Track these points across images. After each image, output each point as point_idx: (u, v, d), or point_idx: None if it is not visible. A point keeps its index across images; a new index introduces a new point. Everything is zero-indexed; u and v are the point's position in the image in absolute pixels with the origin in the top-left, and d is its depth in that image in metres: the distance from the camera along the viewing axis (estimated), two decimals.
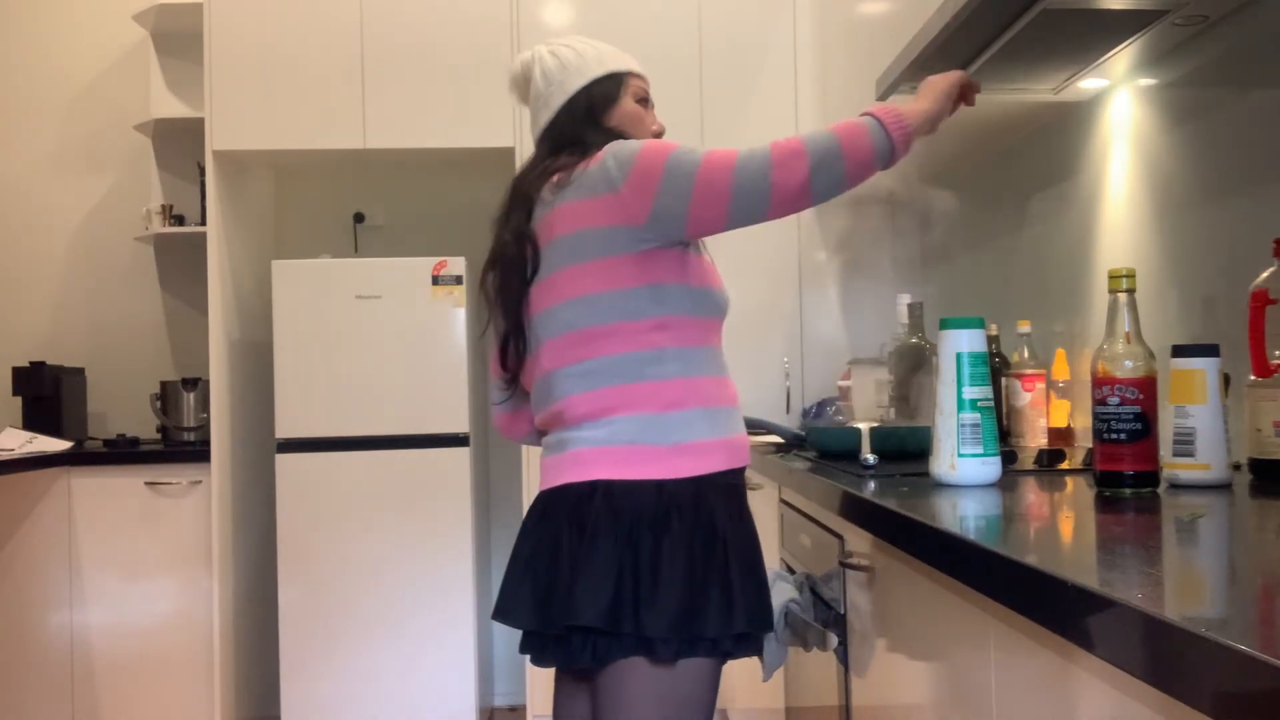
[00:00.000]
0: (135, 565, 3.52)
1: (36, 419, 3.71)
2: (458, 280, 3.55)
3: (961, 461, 1.53)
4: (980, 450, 1.52)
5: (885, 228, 3.70)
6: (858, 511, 1.52)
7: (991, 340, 2.56)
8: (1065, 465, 1.84)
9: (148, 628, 3.51)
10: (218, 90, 3.52)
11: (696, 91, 3.60)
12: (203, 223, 3.71)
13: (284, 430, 3.50)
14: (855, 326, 3.65)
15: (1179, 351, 1.43)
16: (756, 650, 1.63)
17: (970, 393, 1.53)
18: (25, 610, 3.49)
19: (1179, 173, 2.01)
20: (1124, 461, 1.40)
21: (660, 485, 1.57)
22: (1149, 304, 2.10)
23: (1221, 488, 1.42)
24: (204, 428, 3.75)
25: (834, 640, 1.74)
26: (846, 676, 1.82)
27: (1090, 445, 1.62)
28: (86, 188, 4.13)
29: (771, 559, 2.53)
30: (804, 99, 3.62)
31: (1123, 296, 1.42)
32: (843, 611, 1.80)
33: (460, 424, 3.54)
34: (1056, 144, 2.54)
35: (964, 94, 1.72)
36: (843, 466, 1.98)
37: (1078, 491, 1.47)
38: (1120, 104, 2.23)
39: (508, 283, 1.70)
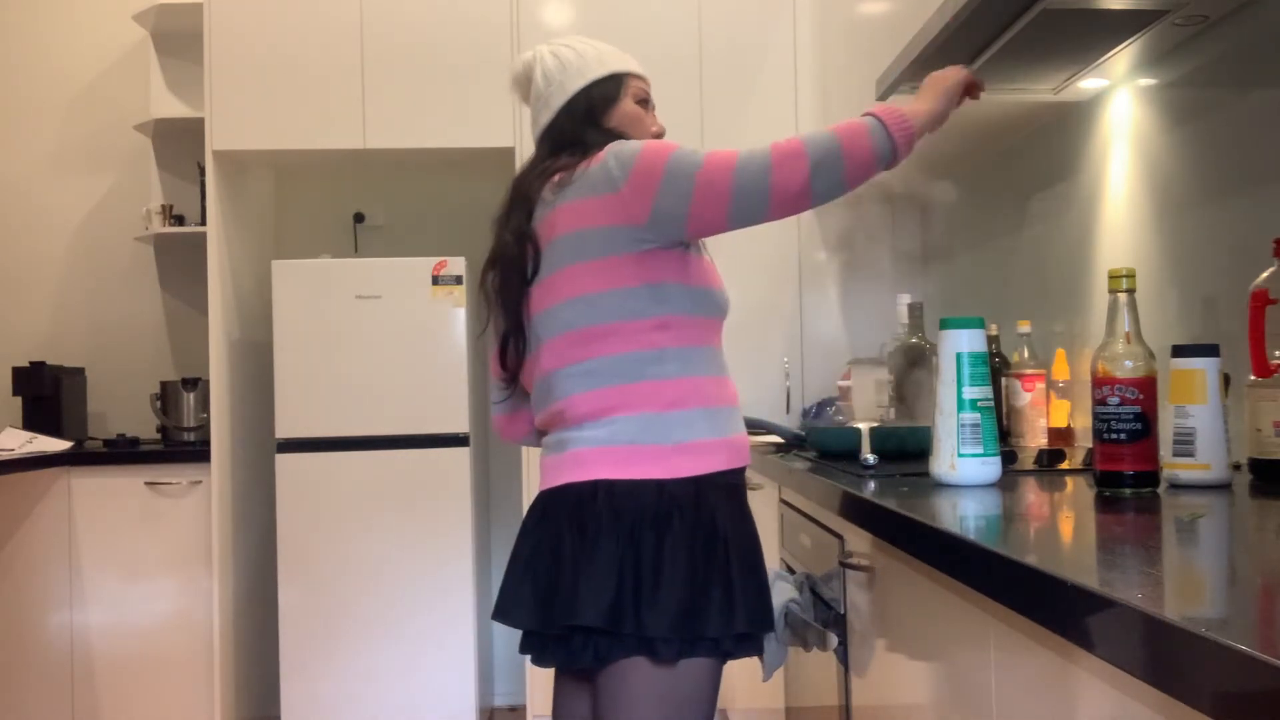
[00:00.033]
0: (135, 565, 3.52)
1: (36, 419, 3.71)
2: (458, 280, 3.55)
3: (961, 461, 1.53)
4: (980, 450, 1.52)
5: (885, 227, 3.70)
6: (858, 511, 1.52)
7: (991, 340, 2.56)
8: (1065, 465, 1.84)
9: (148, 628, 3.51)
10: (218, 90, 3.52)
11: (696, 91, 3.60)
12: (203, 223, 3.71)
13: (284, 430, 3.50)
14: (855, 326, 3.65)
15: (1179, 351, 1.43)
16: (757, 650, 1.63)
17: (970, 393, 1.53)
18: (25, 610, 3.49)
19: (1179, 173, 2.01)
20: (1124, 461, 1.40)
21: (661, 485, 1.57)
22: (1149, 304, 2.10)
23: (1221, 488, 1.42)
24: (204, 428, 3.75)
25: (834, 640, 1.74)
26: (846, 676, 1.82)
27: (1090, 445, 1.62)
28: (86, 188, 4.13)
29: (771, 559, 2.53)
30: (804, 99, 3.62)
31: (1123, 296, 1.42)
32: (843, 611, 1.80)
33: (460, 424, 3.54)
34: (1056, 144, 2.54)
35: (968, 90, 1.71)
36: (843, 466, 1.98)
37: (1078, 491, 1.47)
38: (1120, 104, 2.23)
39: (508, 282, 1.70)
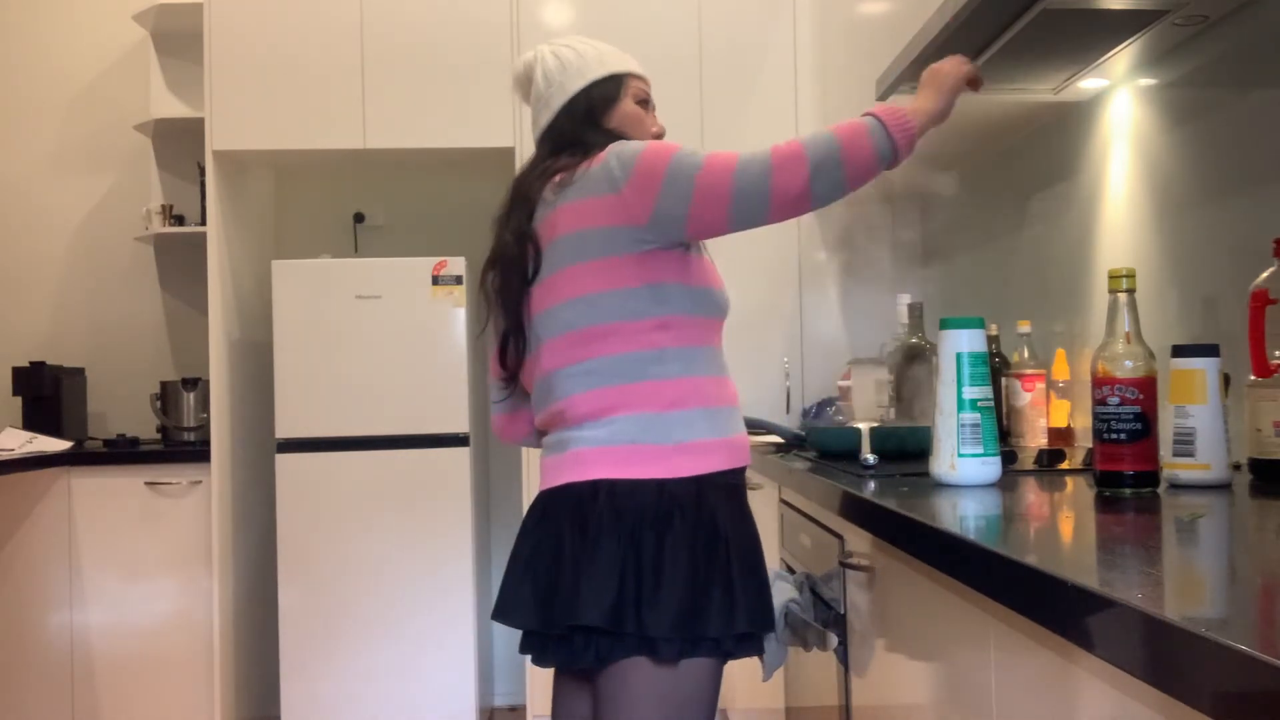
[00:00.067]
0: (135, 565, 3.52)
1: (36, 419, 3.71)
2: (458, 280, 3.55)
3: (961, 461, 1.53)
4: (980, 450, 1.52)
5: (885, 227, 3.70)
6: (858, 511, 1.52)
7: (991, 340, 2.56)
8: (1065, 465, 1.84)
9: (148, 628, 3.51)
10: (218, 90, 3.52)
11: (696, 91, 3.60)
12: (203, 223, 3.71)
13: (284, 430, 3.50)
14: (855, 326, 3.65)
15: (1179, 351, 1.43)
16: (758, 650, 1.63)
17: (970, 393, 1.53)
18: (25, 610, 3.49)
19: (1179, 173, 2.01)
20: (1124, 461, 1.40)
21: (662, 484, 1.57)
22: (1149, 304, 2.10)
23: (1221, 488, 1.42)
24: (204, 428, 3.75)
25: (834, 640, 1.74)
26: (846, 676, 1.82)
27: (1090, 445, 1.62)
28: (86, 188, 4.13)
29: (771, 559, 2.53)
30: (804, 99, 3.62)
31: (1123, 296, 1.42)
32: (843, 611, 1.80)
33: (460, 424, 3.54)
34: (1056, 144, 2.54)
35: (969, 83, 1.69)
36: (843, 466, 1.98)
37: (1078, 491, 1.47)
38: (1120, 104, 2.23)
39: (508, 282, 1.70)
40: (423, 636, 3.52)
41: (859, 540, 1.68)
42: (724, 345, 1.76)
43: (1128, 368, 1.40)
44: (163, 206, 3.85)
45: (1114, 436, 1.40)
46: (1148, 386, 1.40)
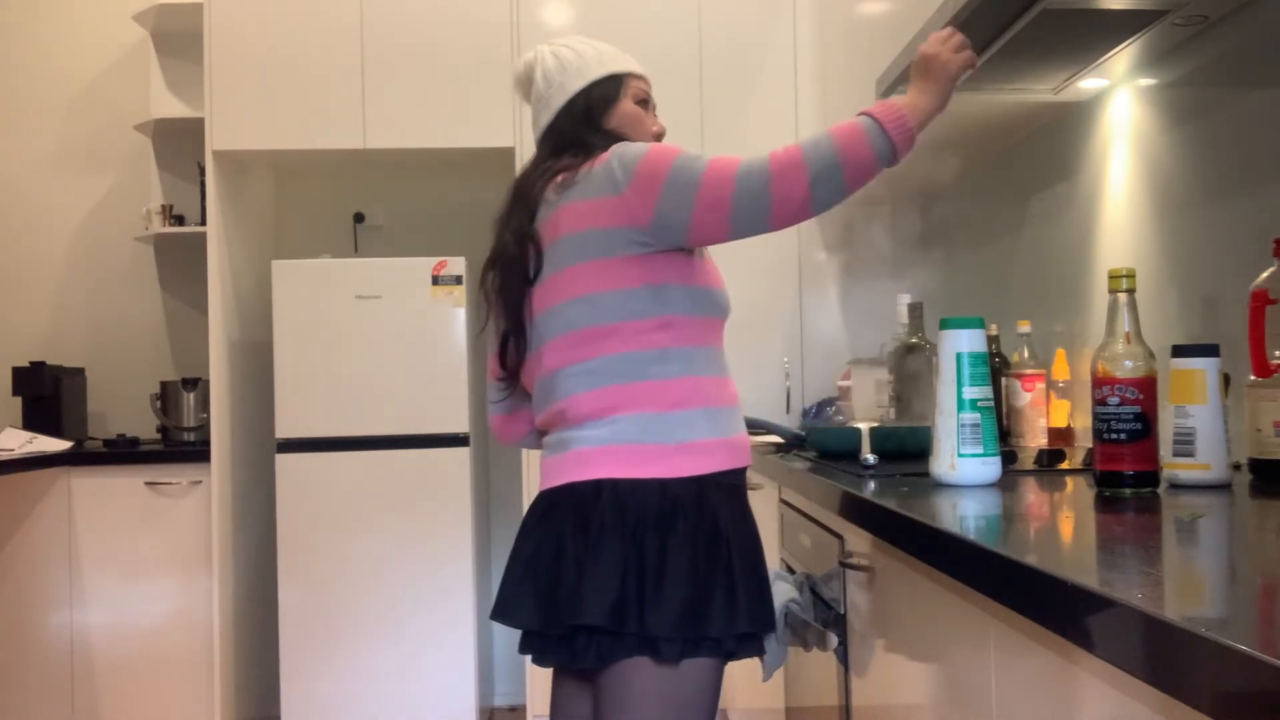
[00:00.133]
0: (135, 565, 3.52)
1: (36, 419, 3.71)
2: (458, 280, 3.55)
3: (961, 461, 1.53)
4: (980, 450, 1.52)
5: (885, 228, 3.70)
6: (858, 511, 1.52)
7: (991, 340, 2.56)
8: (1065, 465, 1.84)
9: (148, 628, 3.52)
10: (218, 90, 3.52)
11: (696, 91, 3.60)
12: (203, 223, 3.72)
13: (284, 430, 3.50)
14: (855, 326, 3.65)
15: (1179, 351, 1.43)
16: (759, 650, 1.63)
17: (970, 393, 1.53)
18: (25, 610, 3.49)
19: (1179, 173, 2.01)
20: (1124, 461, 1.40)
21: (664, 484, 1.57)
22: (1149, 304, 2.10)
23: (1221, 488, 1.42)
24: (204, 428, 3.75)
25: (834, 640, 1.74)
26: (846, 676, 1.82)
27: (1090, 445, 1.62)
28: (86, 188, 4.13)
29: (771, 559, 2.53)
30: (804, 99, 3.62)
31: (1123, 296, 1.42)
32: (843, 611, 1.80)
33: (460, 424, 3.54)
34: (1056, 144, 2.54)
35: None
36: (843, 466, 1.98)
37: (1078, 491, 1.47)
38: (1120, 104, 2.23)
39: (508, 282, 1.70)
40: (423, 636, 3.52)
41: (859, 540, 1.68)
42: (724, 345, 1.76)
43: (1128, 368, 1.40)
44: (163, 206, 3.85)
45: (1114, 436, 1.40)
46: (1148, 386, 1.40)
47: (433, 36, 3.57)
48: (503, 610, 1.62)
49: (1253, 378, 1.51)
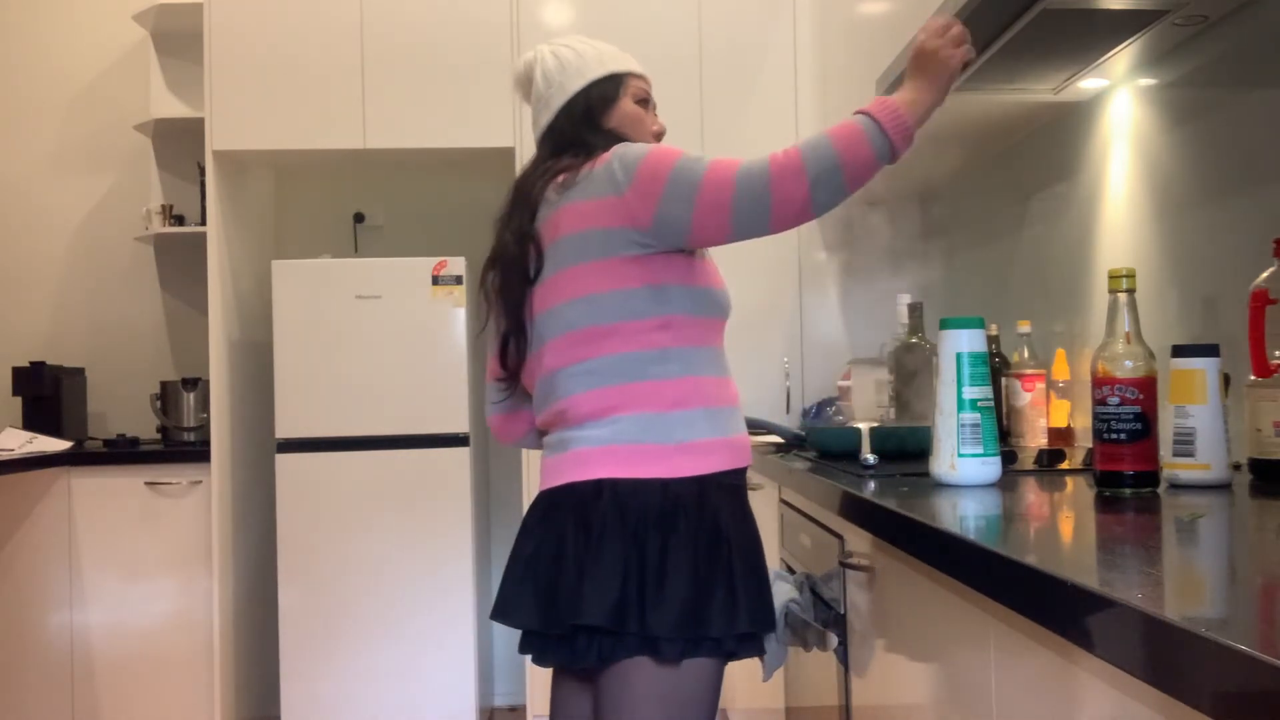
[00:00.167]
0: (135, 565, 3.52)
1: (36, 419, 3.71)
2: (458, 280, 3.55)
3: (961, 461, 1.53)
4: (980, 450, 1.52)
5: (885, 227, 3.70)
6: (858, 511, 1.52)
7: (991, 340, 2.56)
8: (1065, 465, 1.84)
9: (148, 628, 3.52)
10: (218, 90, 3.52)
11: (696, 91, 3.60)
12: (203, 223, 3.72)
13: (284, 430, 3.50)
14: (855, 326, 3.65)
15: (1179, 351, 1.43)
16: (759, 650, 1.63)
17: (970, 393, 1.53)
18: (25, 610, 3.49)
19: (1179, 173, 2.01)
20: (1124, 461, 1.40)
21: (665, 484, 1.57)
22: (1149, 304, 2.10)
23: (1221, 488, 1.42)
24: (204, 428, 3.75)
25: (834, 640, 1.74)
26: (846, 676, 1.82)
27: (1090, 445, 1.62)
28: (86, 188, 4.13)
29: (771, 559, 2.53)
30: (804, 99, 3.62)
31: (1123, 296, 1.42)
32: (843, 611, 1.80)
33: (460, 424, 3.55)
34: (1056, 144, 2.54)
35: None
36: (843, 466, 1.98)
37: (1078, 491, 1.47)
38: (1120, 104, 2.23)
39: (508, 282, 1.70)
40: (423, 636, 3.52)
41: (859, 540, 1.68)
42: (724, 345, 1.76)
43: (1128, 368, 1.40)
44: (163, 206, 3.85)
45: (1114, 436, 1.40)
46: (1148, 386, 1.40)
47: (433, 36, 3.57)
48: (503, 610, 1.62)
49: (1253, 378, 1.51)
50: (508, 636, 4.12)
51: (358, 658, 3.49)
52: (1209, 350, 1.42)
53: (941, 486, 1.55)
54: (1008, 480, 1.63)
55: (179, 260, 4.12)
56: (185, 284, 4.12)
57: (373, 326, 3.53)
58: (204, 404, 3.75)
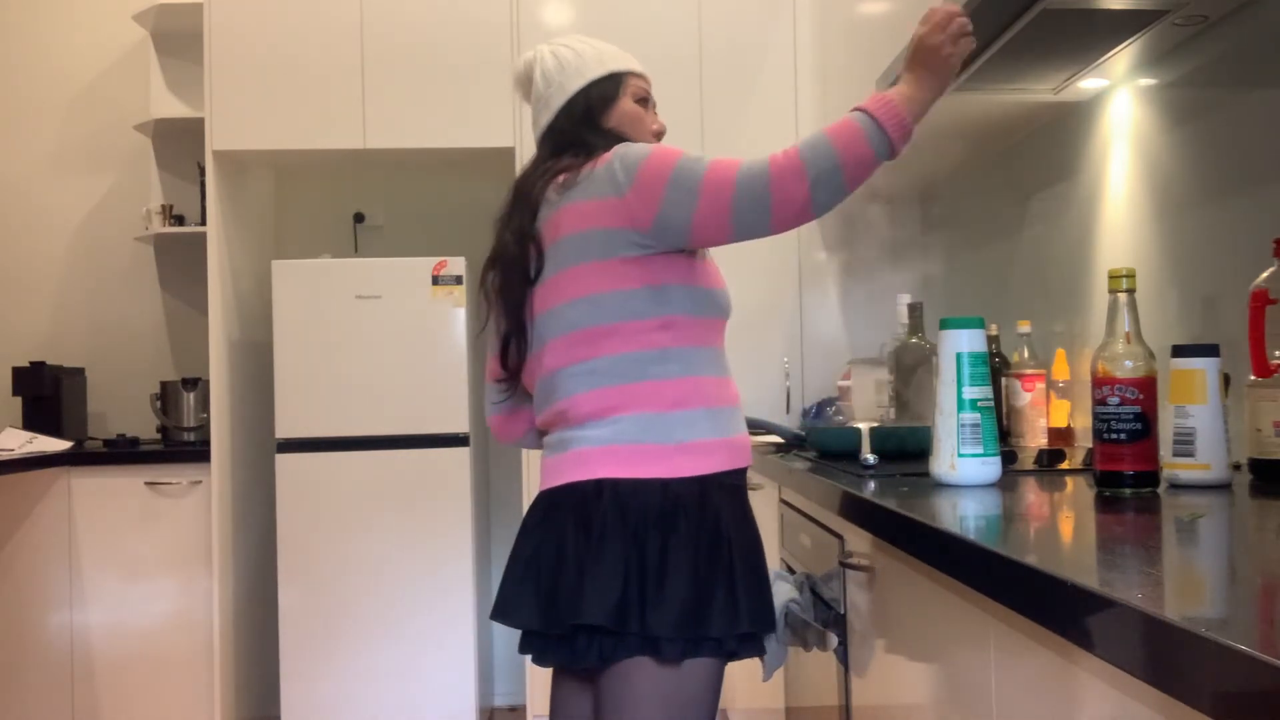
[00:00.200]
0: (135, 565, 3.52)
1: (36, 419, 3.71)
2: (458, 280, 3.55)
3: (961, 461, 1.53)
4: (980, 450, 1.52)
5: (885, 227, 3.70)
6: (858, 511, 1.52)
7: (991, 340, 2.56)
8: (1065, 465, 1.84)
9: (148, 628, 3.51)
10: (218, 90, 3.52)
11: (696, 91, 3.60)
12: (203, 223, 3.72)
13: (284, 430, 3.50)
14: (855, 326, 3.65)
15: (1179, 351, 1.43)
16: (759, 650, 1.63)
17: (970, 393, 1.53)
18: (25, 610, 3.49)
19: (1179, 173, 2.01)
20: (1124, 461, 1.40)
21: (665, 484, 1.57)
22: (1149, 304, 2.10)
23: (1221, 488, 1.42)
24: (204, 428, 3.75)
25: (834, 640, 1.74)
26: (846, 676, 1.82)
27: (1090, 445, 1.62)
28: (86, 188, 4.13)
29: (771, 559, 2.53)
30: (804, 99, 3.62)
31: (1123, 296, 1.42)
32: (843, 611, 1.80)
33: (460, 424, 3.55)
34: (1056, 144, 2.54)
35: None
36: (843, 466, 1.98)
37: (1078, 491, 1.47)
38: (1120, 104, 2.23)
39: (509, 282, 1.70)
40: (423, 636, 3.52)
41: (859, 540, 1.68)
42: (725, 345, 1.76)
43: (1128, 368, 1.40)
44: (163, 206, 3.85)
45: (1114, 436, 1.40)
46: (1148, 386, 1.40)
47: (433, 36, 3.57)
48: (503, 610, 1.62)
49: (1253, 378, 1.51)
50: (508, 636, 4.12)
51: (358, 658, 3.49)
52: (1209, 350, 1.42)
53: (941, 486, 1.55)
54: (1008, 480, 1.63)
55: (179, 260, 4.12)
56: (185, 284, 4.12)
57: (373, 326, 3.53)
58: (204, 404, 3.75)
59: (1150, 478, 1.40)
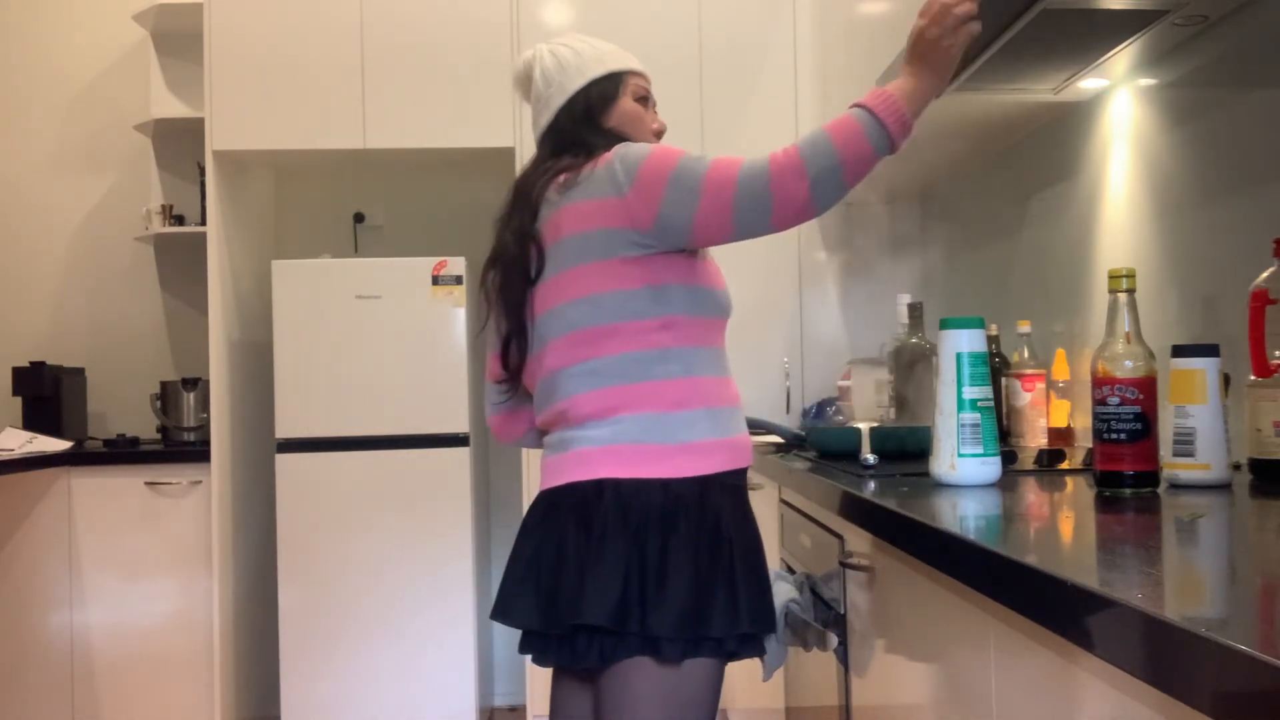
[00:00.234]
0: (135, 565, 3.52)
1: (36, 419, 3.71)
2: (458, 280, 3.55)
3: (961, 461, 1.53)
4: (980, 450, 1.52)
5: (885, 227, 3.70)
6: (858, 511, 1.52)
7: (991, 340, 2.56)
8: (1065, 465, 1.84)
9: (148, 628, 3.51)
10: (218, 90, 3.52)
11: (696, 91, 3.60)
12: (203, 223, 3.72)
13: (284, 430, 3.50)
14: (855, 326, 3.65)
15: (1179, 351, 1.43)
16: (759, 651, 1.63)
17: (970, 393, 1.53)
18: (25, 610, 3.49)
19: (1179, 173, 2.01)
20: (1124, 461, 1.40)
21: (666, 484, 1.57)
22: (1149, 304, 2.10)
23: (1221, 488, 1.42)
24: (204, 428, 3.75)
25: (834, 640, 1.74)
26: (846, 676, 1.82)
27: (1090, 445, 1.62)
28: (86, 188, 4.13)
29: (771, 559, 2.53)
30: (804, 99, 3.62)
31: (1123, 296, 1.42)
32: (843, 611, 1.80)
33: (460, 424, 3.54)
34: (1056, 144, 2.54)
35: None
36: (843, 466, 1.98)
37: (1078, 491, 1.47)
38: (1120, 104, 2.23)
39: (509, 282, 1.70)
40: (423, 636, 3.52)
41: (859, 540, 1.68)
42: (725, 345, 1.76)
43: (1128, 368, 1.40)
44: (163, 206, 3.85)
45: (1114, 436, 1.40)
46: (1148, 386, 1.40)
47: (433, 36, 3.57)
48: (503, 610, 1.62)
49: (1253, 378, 1.51)
50: (508, 636, 4.12)
51: (358, 658, 3.49)
52: (1209, 350, 1.42)
53: (941, 486, 1.55)
54: (1008, 480, 1.63)
55: (179, 260, 4.12)
56: (185, 284, 4.12)
57: (373, 326, 3.53)
58: (204, 404, 3.75)
59: (1150, 478, 1.40)
